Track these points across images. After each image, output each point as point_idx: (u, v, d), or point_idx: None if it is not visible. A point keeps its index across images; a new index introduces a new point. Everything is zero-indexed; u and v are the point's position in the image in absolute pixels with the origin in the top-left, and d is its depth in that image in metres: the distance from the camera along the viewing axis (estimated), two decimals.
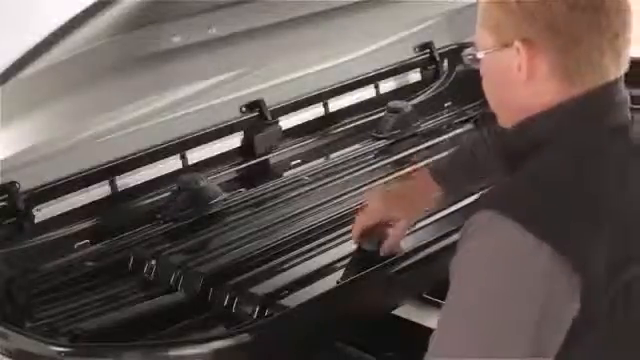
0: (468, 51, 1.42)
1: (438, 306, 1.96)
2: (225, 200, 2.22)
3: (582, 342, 1.25)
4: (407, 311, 1.94)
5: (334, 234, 2.06)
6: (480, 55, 1.38)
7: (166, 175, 2.24)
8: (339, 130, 2.63)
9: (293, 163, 2.46)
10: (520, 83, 1.32)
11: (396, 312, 1.89)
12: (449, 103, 2.84)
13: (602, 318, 1.25)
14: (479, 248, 1.25)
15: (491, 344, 1.20)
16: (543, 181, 1.28)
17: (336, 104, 2.66)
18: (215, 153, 2.36)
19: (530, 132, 1.33)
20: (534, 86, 1.31)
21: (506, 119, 1.41)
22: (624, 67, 1.33)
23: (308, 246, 2.00)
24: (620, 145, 1.32)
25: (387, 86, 2.79)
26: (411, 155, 2.46)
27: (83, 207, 2.09)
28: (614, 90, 1.32)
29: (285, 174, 2.40)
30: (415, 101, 2.76)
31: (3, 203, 1.94)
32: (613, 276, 1.24)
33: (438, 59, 2.88)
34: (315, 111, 2.61)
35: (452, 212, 2.06)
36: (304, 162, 2.46)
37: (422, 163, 2.36)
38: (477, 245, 1.26)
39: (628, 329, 1.29)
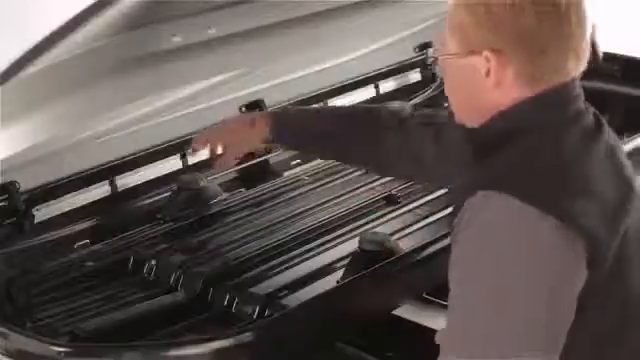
0: (432, 52, 1.44)
1: (438, 306, 1.96)
2: (225, 200, 2.22)
3: (585, 316, 1.28)
4: (407, 311, 1.93)
5: (334, 234, 2.06)
6: (445, 58, 1.41)
7: (166, 175, 2.24)
8: None
9: (293, 163, 2.46)
10: (487, 87, 1.35)
11: (396, 312, 1.89)
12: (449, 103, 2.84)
13: (603, 288, 1.29)
14: (480, 231, 1.28)
15: (507, 335, 1.22)
16: (526, 162, 1.32)
17: (336, 104, 2.65)
18: None
19: (500, 125, 1.37)
20: (501, 90, 1.35)
21: (469, 119, 1.44)
22: (583, 67, 1.38)
23: (308, 246, 2.00)
24: (579, 129, 1.37)
25: (387, 86, 2.79)
26: None
27: (83, 207, 2.09)
28: (572, 86, 1.38)
29: (285, 174, 2.40)
30: (415, 101, 2.76)
31: (3, 203, 1.94)
32: (607, 244, 1.28)
33: None
34: None
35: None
36: (304, 162, 2.46)
37: None
38: (478, 228, 1.28)
39: (624, 298, 1.34)
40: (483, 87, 1.35)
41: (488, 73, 1.33)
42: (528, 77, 1.34)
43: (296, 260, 1.95)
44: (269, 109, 2.43)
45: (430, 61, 1.48)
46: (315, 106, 2.11)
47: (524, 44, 1.31)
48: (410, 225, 2.09)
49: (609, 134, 1.41)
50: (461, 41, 1.36)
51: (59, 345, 1.55)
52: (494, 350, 1.22)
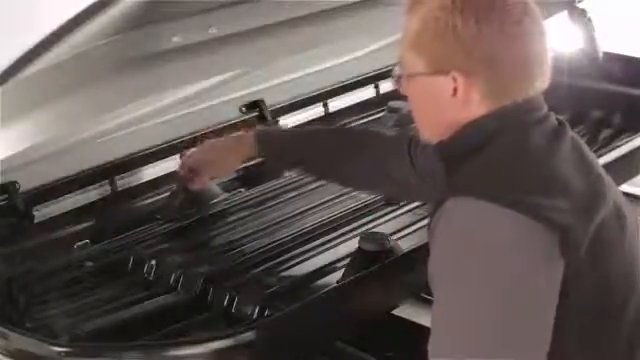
0: (396, 72, 1.45)
1: None
2: (225, 200, 2.22)
3: (569, 303, 1.30)
4: (407, 311, 1.93)
5: (334, 234, 2.06)
6: (411, 77, 1.43)
7: (166, 175, 2.24)
8: None
9: None
10: (454, 106, 1.38)
11: (396, 312, 1.89)
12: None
13: (583, 273, 1.31)
14: (450, 237, 1.30)
15: (483, 335, 1.24)
16: (495, 167, 1.35)
17: (336, 104, 2.66)
18: None
19: (465, 138, 1.40)
20: (467, 107, 1.38)
21: (433, 135, 1.47)
22: (547, 81, 1.42)
23: (308, 246, 2.00)
24: (543, 130, 1.40)
25: (387, 86, 2.79)
26: None
27: (83, 207, 2.09)
28: (537, 97, 1.42)
29: (285, 174, 2.40)
30: None
31: (3, 203, 1.94)
32: (580, 233, 1.30)
33: None
34: (315, 111, 2.61)
35: None
36: None
37: None
38: (448, 234, 1.30)
39: (604, 283, 1.35)
40: (449, 105, 1.38)
41: (455, 92, 1.37)
42: (494, 95, 1.37)
43: (296, 260, 1.95)
44: (269, 108, 2.44)
45: (394, 81, 1.50)
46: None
47: (491, 65, 1.35)
48: (410, 225, 2.09)
49: (572, 133, 1.44)
50: (428, 61, 1.38)
51: (59, 345, 1.55)
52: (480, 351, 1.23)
